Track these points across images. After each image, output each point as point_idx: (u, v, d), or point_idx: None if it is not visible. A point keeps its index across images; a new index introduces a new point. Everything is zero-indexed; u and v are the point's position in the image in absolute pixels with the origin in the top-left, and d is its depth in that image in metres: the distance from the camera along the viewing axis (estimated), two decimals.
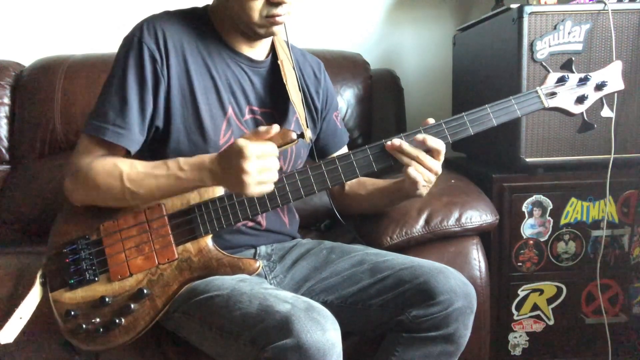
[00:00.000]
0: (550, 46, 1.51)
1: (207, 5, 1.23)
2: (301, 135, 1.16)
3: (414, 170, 1.12)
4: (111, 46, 1.96)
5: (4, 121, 1.88)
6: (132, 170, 1.06)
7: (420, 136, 1.12)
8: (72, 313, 1.06)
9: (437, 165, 1.13)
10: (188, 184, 1.05)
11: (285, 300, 0.96)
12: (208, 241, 1.11)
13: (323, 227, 1.73)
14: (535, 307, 1.62)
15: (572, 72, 1.21)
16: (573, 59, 1.23)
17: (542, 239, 1.59)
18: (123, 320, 1.06)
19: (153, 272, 1.09)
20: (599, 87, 1.21)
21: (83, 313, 1.07)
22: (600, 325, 1.60)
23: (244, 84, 1.21)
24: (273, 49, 1.26)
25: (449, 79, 2.09)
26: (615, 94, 1.46)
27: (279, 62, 1.23)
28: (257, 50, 1.23)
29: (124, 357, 1.17)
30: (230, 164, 0.98)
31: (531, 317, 1.62)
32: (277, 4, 1.09)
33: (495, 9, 1.74)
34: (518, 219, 1.58)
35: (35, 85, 1.86)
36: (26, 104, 1.86)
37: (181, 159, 1.05)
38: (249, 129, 1.20)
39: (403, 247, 1.32)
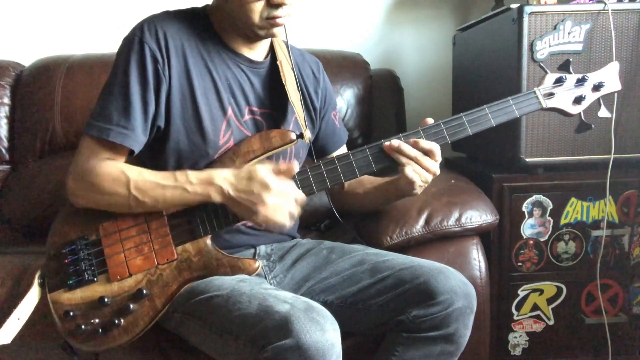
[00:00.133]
0: (550, 46, 1.51)
1: (207, 6, 1.23)
2: (300, 136, 1.17)
3: (411, 171, 1.12)
4: (111, 46, 1.96)
5: (4, 121, 1.89)
6: (140, 179, 1.07)
7: (411, 140, 1.13)
8: (71, 314, 1.06)
9: (434, 165, 1.14)
10: (195, 198, 1.06)
11: (284, 300, 0.95)
12: (207, 241, 1.11)
13: (323, 227, 1.73)
14: (535, 307, 1.61)
15: (570, 72, 1.22)
16: (571, 59, 1.24)
17: (542, 239, 1.59)
18: (122, 320, 1.06)
19: (152, 273, 1.09)
20: (596, 87, 1.22)
21: (82, 314, 1.07)
22: (600, 325, 1.60)
23: (243, 84, 1.20)
24: (272, 50, 1.26)
25: (449, 79, 2.09)
26: (615, 95, 1.46)
27: (277, 62, 1.23)
28: (257, 51, 1.23)
29: (123, 358, 1.17)
30: (249, 190, 1.03)
31: (531, 317, 1.62)
32: (278, 6, 1.09)
33: (495, 9, 1.74)
34: (518, 219, 1.58)
35: (35, 85, 1.86)
36: (26, 104, 1.86)
37: (190, 172, 1.07)
38: (249, 129, 1.20)
39: (403, 247, 1.32)
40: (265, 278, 1.21)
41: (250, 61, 1.21)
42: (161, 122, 1.13)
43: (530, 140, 1.55)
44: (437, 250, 1.35)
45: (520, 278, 1.60)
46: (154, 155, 1.16)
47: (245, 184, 1.04)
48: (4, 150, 1.88)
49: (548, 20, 1.50)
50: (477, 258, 1.36)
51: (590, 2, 1.55)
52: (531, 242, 1.59)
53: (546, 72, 1.22)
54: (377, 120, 1.97)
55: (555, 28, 1.50)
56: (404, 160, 1.12)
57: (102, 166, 1.08)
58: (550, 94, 1.20)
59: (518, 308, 1.61)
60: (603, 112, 1.25)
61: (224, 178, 1.06)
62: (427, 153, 1.13)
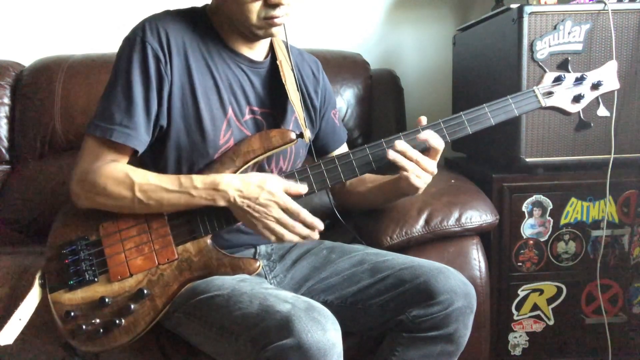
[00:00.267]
0: (550, 46, 1.51)
1: (206, 5, 1.23)
2: (300, 135, 1.17)
3: (413, 176, 1.13)
4: (111, 46, 1.96)
5: (4, 121, 1.88)
6: (144, 181, 1.07)
7: (422, 135, 1.13)
8: (72, 314, 1.06)
9: (433, 165, 1.14)
10: (199, 202, 1.07)
11: (285, 300, 0.96)
12: (208, 241, 1.11)
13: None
14: (535, 307, 1.61)
15: (569, 71, 1.23)
16: (569, 58, 1.25)
17: (542, 239, 1.59)
18: (123, 320, 1.06)
19: (153, 273, 1.09)
20: (595, 86, 1.23)
21: (83, 314, 1.07)
22: (600, 325, 1.60)
23: (244, 84, 1.21)
24: (272, 50, 1.26)
25: (449, 79, 2.09)
26: (615, 95, 1.47)
27: (277, 62, 1.23)
28: (256, 51, 1.23)
29: (124, 358, 1.16)
30: (255, 198, 1.05)
31: (531, 317, 1.62)
32: (275, 6, 1.09)
33: (495, 9, 1.74)
34: (518, 219, 1.58)
35: (35, 85, 1.86)
36: (26, 104, 1.86)
37: (195, 177, 1.08)
38: (249, 129, 1.20)
39: (403, 247, 1.32)
40: (266, 278, 1.21)
41: (251, 61, 1.21)
42: (164, 122, 1.13)
43: (530, 140, 1.55)
44: (437, 250, 1.35)
45: (520, 278, 1.60)
46: (154, 155, 1.16)
47: (253, 191, 1.06)
48: (4, 150, 1.88)
49: (548, 20, 1.50)
50: (477, 258, 1.36)
51: (590, 2, 1.55)
52: (531, 242, 1.59)
53: (545, 71, 1.23)
54: (377, 120, 1.97)
55: (555, 28, 1.51)
56: (406, 163, 1.12)
57: (106, 168, 1.07)
58: (550, 93, 1.21)
59: (518, 308, 1.61)
60: (602, 111, 1.26)
61: (230, 184, 1.06)
62: (431, 150, 1.13)
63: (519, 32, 1.50)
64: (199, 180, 1.07)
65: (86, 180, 1.08)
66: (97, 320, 1.06)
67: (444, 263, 1.16)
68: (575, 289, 1.61)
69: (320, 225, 1.09)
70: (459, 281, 1.11)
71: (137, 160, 1.15)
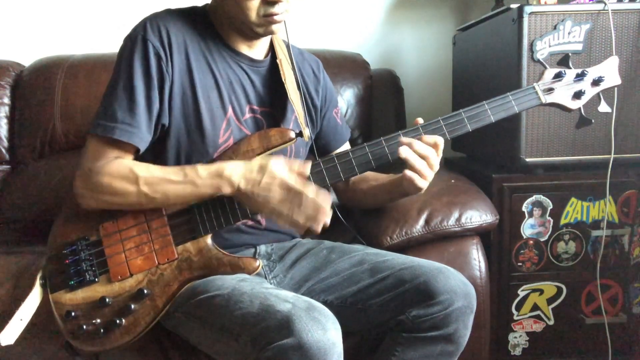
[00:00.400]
0: (550, 46, 1.51)
1: (206, 5, 1.23)
2: (299, 134, 1.17)
3: (419, 175, 1.12)
4: (111, 46, 1.96)
5: (4, 121, 1.88)
6: (149, 175, 1.06)
7: (417, 137, 1.13)
8: (73, 314, 1.06)
9: (437, 162, 1.14)
10: (205, 191, 1.06)
11: (286, 299, 0.95)
12: (208, 241, 1.11)
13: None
14: (535, 307, 1.61)
15: (569, 67, 1.21)
16: (570, 54, 1.23)
17: (542, 239, 1.59)
18: (123, 320, 1.06)
19: (153, 272, 1.09)
20: (596, 82, 1.21)
21: (83, 314, 1.07)
22: (600, 325, 1.60)
23: (244, 83, 1.21)
24: (272, 48, 1.27)
25: (449, 78, 2.09)
26: (615, 95, 1.46)
27: (277, 61, 1.23)
28: (256, 50, 1.23)
29: (124, 358, 1.16)
30: (259, 181, 1.03)
31: (531, 317, 1.62)
32: (274, 3, 1.09)
33: (495, 9, 1.74)
34: (518, 219, 1.58)
35: (35, 85, 1.86)
36: (26, 104, 1.86)
37: (199, 166, 1.07)
38: (249, 128, 1.20)
39: (403, 247, 1.32)
40: (266, 278, 1.21)
41: (251, 60, 1.22)
42: (165, 120, 1.13)
43: (530, 140, 1.55)
44: (437, 250, 1.35)
45: (520, 278, 1.60)
46: (154, 154, 1.16)
47: (256, 175, 1.05)
48: (4, 150, 1.88)
49: (548, 20, 1.50)
50: (477, 258, 1.36)
51: (590, 2, 1.55)
52: (531, 242, 1.59)
53: (545, 67, 1.21)
54: (377, 120, 1.97)
55: (555, 28, 1.51)
56: (416, 162, 1.11)
57: (109, 166, 1.07)
58: (550, 89, 1.19)
59: (518, 308, 1.61)
60: (603, 107, 1.24)
61: (234, 170, 1.06)
62: (432, 147, 1.13)
63: (519, 32, 1.50)
64: (203, 169, 1.06)
65: (90, 179, 1.07)
66: (98, 320, 1.06)
67: (444, 263, 1.16)
68: (575, 289, 1.61)
69: (325, 205, 1.03)
70: (459, 281, 1.11)
71: (138, 159, 1.15)
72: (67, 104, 1.83)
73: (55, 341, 1.16)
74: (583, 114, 1.23)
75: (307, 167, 1.08)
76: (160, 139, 1.15)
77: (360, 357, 1.21)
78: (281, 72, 1.22)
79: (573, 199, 1.58)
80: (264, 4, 1.09)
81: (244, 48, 1.21)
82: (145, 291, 1.07)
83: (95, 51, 1.97)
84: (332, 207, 1.30)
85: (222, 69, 1.18)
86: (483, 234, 1.41)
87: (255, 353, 0.92)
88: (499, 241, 1.58)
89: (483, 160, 1.86)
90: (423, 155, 1.11)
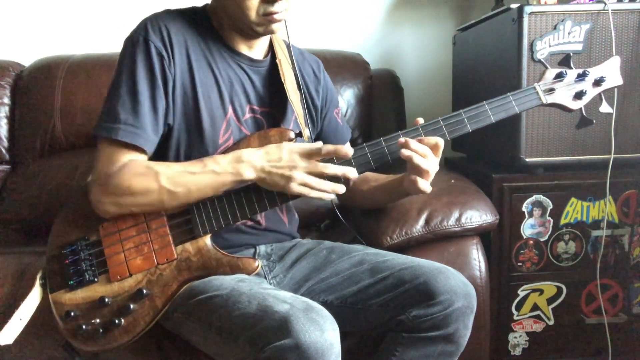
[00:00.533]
0: (550, 46, 1.51)
1: (206, 5, 1.23)
2: (299, 134, 1.16)
3: (413, 174, 1.12)
4: (111, 46, 1.97)
5: (4, 121, 1.89)
6: (169, 170, 1.06)
7: (416, 137, 1.12)
8: (72, 314, 1.06)
9: (436, 163, 1.13)
10: (226, 178, 1.06)
11: (284, 300, 0.95)
12: (207, 241, 1.11)
13: (323, 227, 1.73)
14: (535, 307, 1.61)
15: (571, 67, 1.20)
16: (571, 54, 1.22)
17: (542, 239, 1.59)
18: (123, 320, 1.06)
19: (152, 272, 1.09)
20: (598, 82, 1.20)
21: (83, 314, 1.07)
22: (600, 325, 1.60)
23: (244, 83, 1.21)
24: (272, 49, 1.26)
25: (449, 79, 2.09)
26: (616, 95, 1.46)
27: (277, 61, 1.23)
28: (256, 50, 1.23)
29: (123, 358, 1.17)
30: (280, 157, 1.06)
31: (531, 317, 1.62)
32: (273, 2, 1.09)
33: (495, 9, 1.74)
34: (518, 219, 1.58)
35: (35, 85, 1.86)
36: (26, 104, 1.87)
37: (217, 155, 1.08)
38: (249, 128, 1.20)
39: (403, 247, 1.32)
40: (265, 278, 1.21)
41: (251, 60, 1.22)
42: (171, 120, 1.13)
43: (530, 140, 1.55)
44: (437, 250, 1.35)
45: (520, 278, 1.60)
46: (155, 154, 1.16)
47: (275, 152, 1.07)
48: (4, 150, 1.88)
49: (548, 20, 1.50)
50: (477, 258, 1.36)
51: (590, 2, 1.55)
52: (531, 242, 1.59)
53: (546, 68, 1.20)
54: (377, 120, 1.97)
55: (555, 28, 1.50)
56: (421, 163, 1.10)
57: (126, 167, 1.06)
58: (551, 90, 1.19)
59: (518, 308, 1.61)
60: (604, 108, 1.24)
61: (252, 153, 1.07)
62: (432, 148, 1.12)
63: (519, 32, 1.50)
64: (221, 157, 1.07)
65: (108, 184, 1.06)
66: (97, 320, 1.06)
67: (444, 263, 1.16)
68: (575, 289, 1.61)
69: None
70: (459, 281, 1.10)
71: None
72: (67, 104, 1.83)
73: (54, 341, 1.16)
74: (584, 114, 1.22)
75: (317, 145, 1.09)
76: (162, 138, 1.15)
77: (360, 357, 1.21)
78: (281, 72, 1.22)
79: (573, 199, 1.58)
80: (264, 2, 1.09)
81: (243, 48, 1.21)
82: (145, 291, 1.07)
83: (95, 51, 1.97)
84: (332, 207, 1.31)
85: (223, 69, 1.18)
86: (483, 234, 1.41)
87: (253, 353, 0.92)
88: (499, 241, 1.58)
89: (483, 160, 1.85)
90: (423, 155, 1.11)
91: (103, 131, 1.08)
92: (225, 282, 1.06)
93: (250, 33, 1.17)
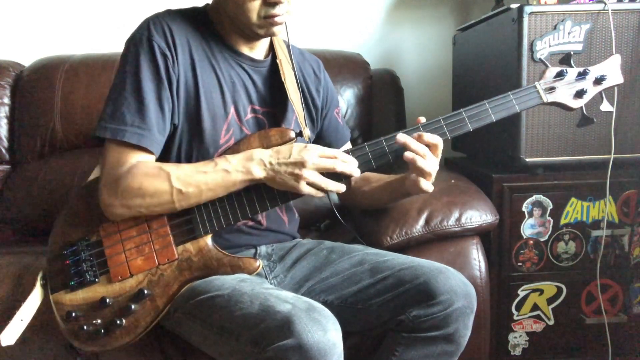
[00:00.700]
0: (550, 46, 1.51)
1: (207, 5, 1.23)
2: (299, 134, 1.17)
3: (415, 174, 1.12)
4: (111, 46, 1.97)
5: (4, 121, 1.89)
6: (179, 170, 1.07)
7: (415, 134, 1.12)
8: (73, 314, 1.06)
9: (436, 163, 1.14)
10: (236, 177, 1.07)
11: (286, 300, 0.96)
12: (208, 241, 1.11)
13: (323, 227, 1.73)
14: (535, 307, 1.62)
15: (571, 66, 1.20)
16: (572, 53, 1.22)
17: (542, 239, 1.59)
18: (124, 320, 1.06)
19: (153, 273, 1.09)
20: (598, 81, 1.20)
21: (84, 314, 1.07)
22: (600, 325, 1.60)
23: (246, 83, 1.21)
24: (273, 49, 1.26)
25: (449, 79, 2.09)
26: (616, 95, 1.46)
27: (277, 61, 1.23)
28: (257, 50, 1.23)
29: (124, 358, 1.16)
30: (289, 155, 1.07)
31: (531, 317, 1.62)
32: (274, 4, 1.09)
33: (495, 9, 1.74)
34: (518, 219, 1.58)
35: (35, 85, 1.86)
36: (26, 104, 1.87)
37: (227, 155, 1.09)
38: (250, 128, 1.20)
39: (403, 247, 1.32)
40: (266, 278, 1.21)
41: (252, 60, 1.22)
42: (176, 120, 1.13)
43: (530, 140, 1.55)
44: (437, 250, 1.35)
45: (520, 278, 1.60)
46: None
47: (285, 150, 1.08)
48: (4, 150, 1.88)
49: (548, 20, 1.50)
50: (477, 258, 1.36)
51: (590, 2, 1.55)
52: (531, 242, 1.59)
53: (547, 66, 1.20)
54: (377, 120, 1.97)
55: (555, 28, 1.51)
56: (422, 164, 1.11)
57: (136, 168, 1.06)
58: (551, 88, 1.18)
59: (518, 308, 1.61)
60: (605, 106, 1.24)
61: (262, 152, 1.08)
62: (430, 147, 1.12)
63: (519, 32, 1.50)
64: (231, 156, 1.08)
65: (118, 186, 1.05)
66: (98, 321, 1.06)
67: (444, 263, 1.16)
68: (575, 289, 1.61)
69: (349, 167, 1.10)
70: (459, 281, 1.11)
71: None
72: (67, 104, 1.83)
73: (55, 341, 1.16)
74: (585, 113, 1.22)
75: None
76: (167, 138, 1.15)
77: (360, 357, 1.21)
78: (281, 72, 1.22)
79: (573, 199, 1.58)
80: (265, 5, 1.09)
81: (244, 48, 1.21)
82: (146, 291, 1.07)
83: (95, 51, 1.97)
84: (332, 207, 1.31)
85: (225, 70, 1.18)
86: (483, 234, 1.41)
87: (255, 354, 0.92)
88: (499, 241, 1.59)
89: (483, 160, 1.86)
90: (423, 155, 1.11)
91: (108, 133, 1.07)
92: (226, 282, 1.06)
93: (251, 35, 1.17)
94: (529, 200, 1.58)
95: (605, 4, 1.50)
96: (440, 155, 1.14)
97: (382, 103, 1.99)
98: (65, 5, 2.12)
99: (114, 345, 1.06)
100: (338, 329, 0.93)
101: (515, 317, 1.62)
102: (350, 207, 1.45)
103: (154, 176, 1.05)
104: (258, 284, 1.05)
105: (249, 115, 1.21)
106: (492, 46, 1.69)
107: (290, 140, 1.14)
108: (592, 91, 1.20)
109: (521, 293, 1.61)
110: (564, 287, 1.61)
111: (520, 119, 1.52)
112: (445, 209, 1.36)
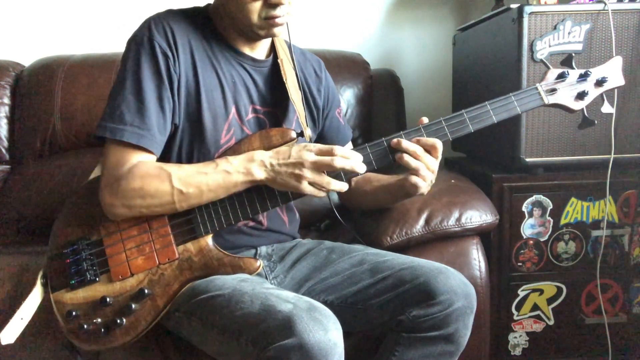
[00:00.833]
0: (550, 46, 1.51)
1: (208, 5, 1.23)
2: (301, 134, 1.16)
3: (422, 178, 1.13)
4: (111, 46, 1.98)
5: (4, 121, 1.89)
6: (181, 171, 1.06)
7: (414, 138, 1.13)
8: (74, 313, 1.06)
9: (435, 163, 1.14)
10: (237, 178, 1.07)
11: (287, 300, 0.95)
12: (209, 241, 1.11)
13: (323, 227, 1.73)
14: (535, 307, 1.62)
15: (573, 68, 1.20)
16: (573, 54, 1.22)
17: (542, 239, 1.59)
18: (124, 320, 1.06)
19: (154, 272, 1.09)
20: (599, 82, 1.20)
21: (84, 313, 1.07)
22: (600, 325, 1.60)
23: (247, 83, 1.21)
24: (274, 49, 1.27)
25: (449, 79, 2.09)
26: (616, 95, 1.47)
27: (279, 61, 1.24)
28: (258, 50, 1.23)
29: (125, 357, 1.16)
30: (289, 155, 1.06)
31: (531, 317, 1.62)
32: (275, 5, 1.09)
33: (495, 9, 1.74)
34: (518, 219, 1.58)
35: (35, 85, 1.86)
36: (26, 104, 1.87)
37: (228, 156, 1.09)
38: (251, 128, 1.20)
39: (403, 247, 1.32)
40: (266, 278, 1.21)
41: (253, 60, 1.22)
42: (177, 120, 1.13)
43: (530, 140, 1.55)
44: (437, 250, 1.35)
45: (520, 278, 1.60)
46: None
47: (284, 151, 1.07)
48: (4, 150, 1.88)
49: (548, 20, 1.50)
50: (477, 258, 1.36)
51: (590, 2, 1.55)
52: (531, 242, 1.59)
53: (548, 68, 1.20)
54: (377, 120, 1.97)
55: (555, 28, 1.51)
56: (417, 165, 1.12)
57: (137, 169, 1.06)
58: (553, 90, 1.18)
59: (518, 308, 1.61)
60: (606, 108, 1.24)
61: (262, 153, 1.08)
62: (429, 149, 1.13)
63: (519, 32, 1.50)
64: (232, 157, 1.08)
65: (119, 186, 1.05)
66: (99, 320, 1.06)
67: (444, 263, 1.16)
68: (575, 289, 1.61)
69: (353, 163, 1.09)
70: (459, 281, 1.11)
71: None
72: (67, 104, 1.83)
73: (56, 340, 1.16)
74: (586, 114, 1.22)
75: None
76: (167, 138, 1.15)
77: (360, 357, 1.21)
78: (282, 72, 1.22)
79: (573, 199, 1.59)
80: (266, 6, 1.09)
81: (245, 48, 1.21)
82: (146, 291, 1.07)
83: (95, 51, 1.97)
84: (332, 207, 1.31)
85: (226, 70, 1.18)
86: (483, 234, 1.41)
87: (256, 353, 0.92)
88: (499, 241, 1.59)
89: (483, 160, 1.86)
90: (413, 153, 1.11)
91: (108, 132, 1.07)
92: (227, 281, 1.06)
93: (252, 35, 1.17)
94: (529, 200, 1.58)
95: (605, 4, 1.50)
96: (440, 157, 1.14)
97: (382, 103, 1.99)
98: (65, 5, 2.12)
99: (114, 344, 1.06)
100: (339, 329, 0.93)
101: (515, 317, 1.62)
102: (351, 207, 1.45)
103: (154, 177, 1.05)
104: (259, 284, 1.05)
105: (250, 115, 1.21)
106: (492, 46, 1.69)
107: (291, 140, 1.14)
108: (593, 93, 1.21)
109: (521, 293, 1.61)
110: (564, 287, 1.61)
111: (520, 119, 1.52)
112: (445, 209, 1.36)
